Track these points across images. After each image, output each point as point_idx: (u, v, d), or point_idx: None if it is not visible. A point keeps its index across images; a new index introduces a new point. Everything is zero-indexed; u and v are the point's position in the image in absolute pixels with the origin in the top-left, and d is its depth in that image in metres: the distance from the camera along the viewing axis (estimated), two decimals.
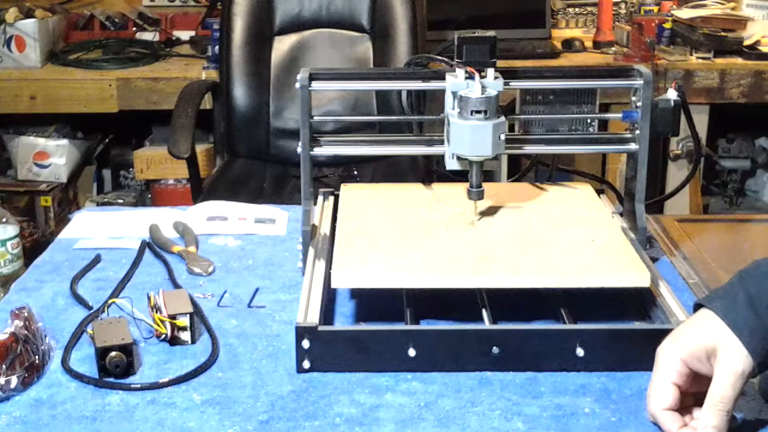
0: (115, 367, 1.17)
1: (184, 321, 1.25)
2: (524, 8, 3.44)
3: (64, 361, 1.21)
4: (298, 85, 1.40)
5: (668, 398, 1.05)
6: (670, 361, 1.06)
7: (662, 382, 1.06)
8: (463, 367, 1.19)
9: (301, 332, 1.18)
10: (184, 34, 3.46)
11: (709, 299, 1.08)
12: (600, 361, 1.18)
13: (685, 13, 3.28)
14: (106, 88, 3.07)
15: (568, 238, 1.36)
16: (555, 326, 1.25)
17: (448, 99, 1.38)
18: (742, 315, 1.03)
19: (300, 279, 1.37)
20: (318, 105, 2.62)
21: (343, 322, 1.31)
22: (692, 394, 1.07)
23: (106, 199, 3.49)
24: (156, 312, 1.27)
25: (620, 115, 1.45)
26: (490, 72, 1.36)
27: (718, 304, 1.06)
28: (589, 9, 3.57)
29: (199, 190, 2.63)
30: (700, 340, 1.05)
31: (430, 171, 2.49)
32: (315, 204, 1.55)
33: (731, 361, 1.02)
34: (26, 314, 1.21)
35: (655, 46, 3.13)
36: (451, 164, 1.41)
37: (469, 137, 1.34)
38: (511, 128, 1.49)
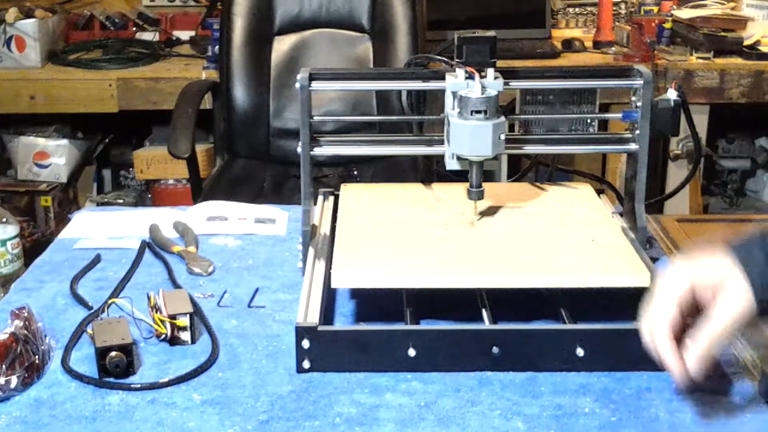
0: (115, 367, 1.17)
1: (184, 321, 1.25)
2: (524, 8, 3.43)
3: (64, 361, 1.21)
4: (298, 85, 1.40)
5: (670, 313, 1.06)
6: (682, 280, 1.06)
7: (669, 298, 1.06)
8: (463, 367, 1.19)
9: (301, 332, 1.18)
10: (184, 34, 3.45)
11: (727, 243, 1.08)
12: (600, 361, 1.18)
13: (685, 13, 3.28)
14: (106, 88, 3.07)
15: (568, 238, 1.36)
16: (555, 326, 1.25)
17: (448, 99, 1.38)
18: (756, 264, 1.04)
19: (300, 279, 1.37)
20: (318, 105, 2.61)
21: (343, 322, 1.31)
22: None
23: (106, 199, 3.49)
24: (156, 312, 1.27)
25: (620, 115, 1.45)
26: (490, 72, 1.36)
27: (735, 250, 1.06)
28: (589, 9, 3.57)
29: (199, 190, 2.63)
30: (712, 271, 1.05)
31: (430, 171, 2.49)
32: (315, 204, 1.55)
33: (736, 300, 1.03)
34: (26, 314, 1.21)
35: (655, 46, 3.13)
36: (451, 164, 1.41)
37: (469, 137, 1.34)
38: (511, 128, 1.49)
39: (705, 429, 1.08)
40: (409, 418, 1.10)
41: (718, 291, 1.04)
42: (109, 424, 1.10)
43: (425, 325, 1.27)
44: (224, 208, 1.73)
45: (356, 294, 1.36)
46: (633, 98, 1.44)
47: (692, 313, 1.07)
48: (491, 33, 1.37)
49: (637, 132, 1.43)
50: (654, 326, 1.07)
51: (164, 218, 1.66)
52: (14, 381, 1.14)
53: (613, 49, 3.29)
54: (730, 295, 1.04)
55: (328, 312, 1.31)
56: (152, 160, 3.30)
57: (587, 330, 1.20)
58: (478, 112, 1.32)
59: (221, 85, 2.81)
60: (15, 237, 1.68)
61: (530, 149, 1.49)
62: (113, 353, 1.17)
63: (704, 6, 3.33)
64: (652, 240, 1.56)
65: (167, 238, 1.59)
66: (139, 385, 1.16)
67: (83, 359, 1.22)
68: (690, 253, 1.10)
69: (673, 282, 1.07)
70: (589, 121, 1.49)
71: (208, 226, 1.65)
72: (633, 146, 1.44)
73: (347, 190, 1.58)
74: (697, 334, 1.04)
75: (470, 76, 1.34)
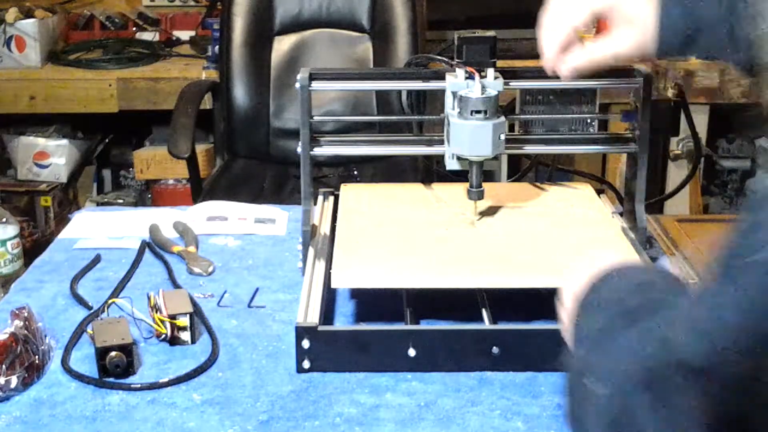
0: (115, 367, 1.17)
1: (184, 321, 1.25)
2: (524, 8, 3.41)
3: (64, 361, 1.21)
4: (298, 85, 1.40)
5: (581, 18, 1.10)
6: None
7: (587, 7, 1.10)
8: (462, 367, 1.19)
9: (301, 332, 1.18)
10: (184, 34, 3.45)
11: None
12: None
13: None
14: (106, 88, 3.07)
15: (568, 238, 1.36)
16: (555, 326, 1.25)
17: (448, 99, 1.38)
18: (672, 14, 1.06)
19: (300, 279, 1.37)
20: (318, 105, 2.61)
21: (343, 322, 1.31)
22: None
23: (106, 199, 3.49)
24: (156, 312, 1.27)
25: (620, 115, 1.45)
26: (490, 72, 1.36)
27: (670, 3, 1.08)
28: None
29: (199, 190, 2.63)
30: (633, 4, 1.08)
31: (430, 171, 2.49)
32: (315, 204, 1.55)
33: (641, 35, 1.06)
34: (26, 314, 1.21)
35: None
36: (451, 164, 1.41)
37: (469, 137, 1.34)
38: (511, 128, 1.49)
39: None
40: (409, 418, 1.10)
41: (629, 21, 1.07)
42: (109, 424, 1.10)
43: (425, 325, 1.27)
44: (224, 208, 1.73)
45: (356, 294, 1.36)
46: (633, 98, 1.44)
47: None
48: (491, 33, 1.37)
49: (637, 132, 1.43)
50: (558, 19, 1.11)
51: (164, 218, 1.66)
52: (14, 381, 1.14)
53: None
54: (638, 27, 1.07)
55: (328, 312, 1.31)
56: (152, 160, 3.30)
57: None
58: (478, 112, 1.32)
59: (221, 85, 2.82)
60: (15, 237, 1.68)
61: (530, 149, 1.49)
62: (113, 353, 1.17)
63: None
64: (652, 240, 1.56)
65: (167, 238, 1.59)
66: (139, 385, 1.16)
67: (83, 359, 1.22)
68: None
69: None
70: (589, 121, 1.49)
71: (208, 226, 1.65)
72: (633, 146, 1.44)
73: (347, 190, 1.58)
74: (590, 46, 1.10)
75: (470, 76, 1.34)
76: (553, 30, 1.10)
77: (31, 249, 2.41)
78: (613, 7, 1.08)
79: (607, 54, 1.10)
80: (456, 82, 1.36)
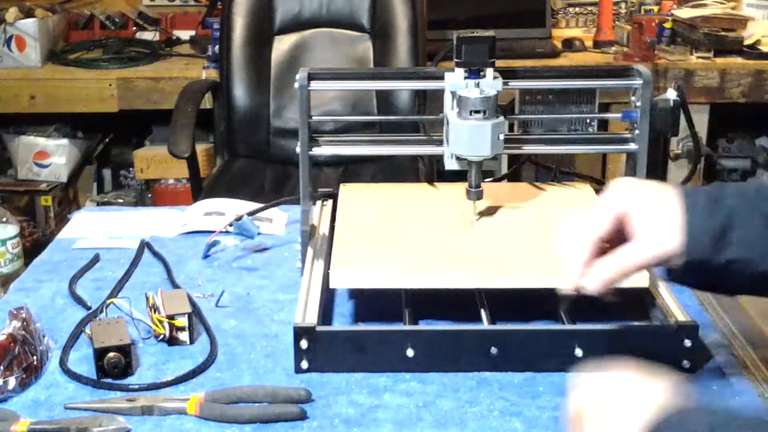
0: (113, 367, 1.17)
1: (182, 321, 1.25)
2: (524, 8, 3.43)
3: (63, 362, 1.21)
4: (297, 85, 1.40)
5: (604, 227, 0.99)
6: (624, 204, 0.99)
7: (608, 212, 0.99)
8: (461, 368, 1.19)
9: (299, 332, 1.18)
10: (185, 34, 3.46)
11: (688, 189, 1.00)
12: (599, 362, 1.18)
13: (685, 13, 3.27)
14: (106, 88, 3.07)
15: None
16: (553, 326, 1.25)
17: (447, 99, 1.38)
18: (703, 215, 0.96)
19: (298, 279, 1.37)
20: (318, 105, 2.62)
21: (341, 323, 1.31)
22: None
23: (106, 199, 3.49)
24: (154, 312, 1.27)
25: (620, 115, 1.45)
26: (489, 72, 1.35)
27: (687, 197, 0.98)
28: (589, 9, 3.57)
29: (199, 190, 2.63)
30: (656, 208, 0.98)
31: (431, 171, 2.49)
32: (314, 204, 1.55)
33: (663, 245, 0.96)
34: (24, 315, 1.20)
35: (655, 46, 3.13)
36: (451, 164, 1.41)
37: (467, 137, 1.33)
38: (511, 128, 1.48)
39: None
40: (408, 419, 1.10)
41: (652, 224, 0.97)
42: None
43: (424, 326, 1.27)
44: (223, 205, 1.72)
45: (355, 294, 1.36)
46: (632, 98, 1.44)
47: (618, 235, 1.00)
48: (490, 33, 1.37)
49: (637, 132, 1.43)
50: (580, 239, 1.01)
51: (164, 218, 1.66)
52: (12, 382, 1.14)
53: (613, 48, 3.29)
54: (662, 231, 0.96)
55: (326, 312, 1.31)
56: (152, 160, 3.30)
57: (586, 330, 1.19)
58: (477, 112, 1.32)
59: (221, 84, 2.81)
60: (15, 237, 1.68)
61: (529, 149, 1.49)
62: (111, 354, 1.17)
63: (704, 5, 3.33)
64: None
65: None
66: (137, 386, 1.16)
67: (82, 359, 1.22)
68: (644, 181, 1.04)
69: (616, 202, 1.00)
70: (588, 121, 1.48)
71: (204, 222, 1.64)
72: (633, 146, 1.44)
73: (347, 190, 1.58)
74: (616, 255, 0.99)
75: (469, 76, 1.34)
76: (577, 244, 1.02)
77: (31, 249, 2.40)
78: (634, 210, 0.98)
79: (633, 263, 0.98)
80: (455, 81, 1.35)
